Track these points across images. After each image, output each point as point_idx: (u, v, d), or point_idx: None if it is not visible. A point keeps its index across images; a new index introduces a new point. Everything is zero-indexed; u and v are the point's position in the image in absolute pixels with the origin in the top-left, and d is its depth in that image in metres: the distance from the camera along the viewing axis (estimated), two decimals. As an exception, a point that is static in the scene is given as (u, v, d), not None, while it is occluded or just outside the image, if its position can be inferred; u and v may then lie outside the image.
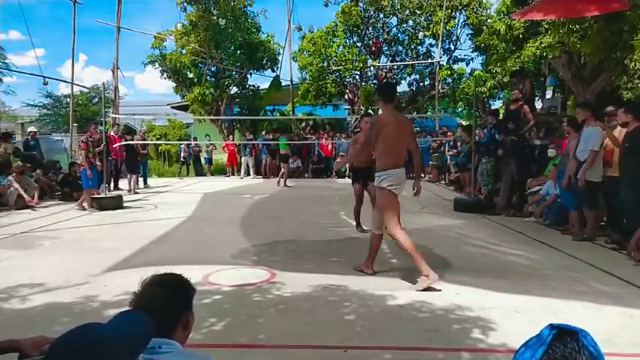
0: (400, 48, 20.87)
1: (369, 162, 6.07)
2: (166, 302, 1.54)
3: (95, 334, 1.10)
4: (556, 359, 0.89)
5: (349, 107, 21.95)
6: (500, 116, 9.75)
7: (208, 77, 19.74)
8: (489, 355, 3.00)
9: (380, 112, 5.02)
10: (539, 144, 9.15)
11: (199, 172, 18.17)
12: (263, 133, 18.95)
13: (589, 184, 6.09)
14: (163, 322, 1.51)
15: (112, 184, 12.25)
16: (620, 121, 5.86)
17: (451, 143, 13.37)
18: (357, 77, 20.95)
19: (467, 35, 19.54)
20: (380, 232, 4.76)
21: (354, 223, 7.03)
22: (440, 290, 4.20)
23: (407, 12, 19.89)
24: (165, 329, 1.52)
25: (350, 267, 5.04)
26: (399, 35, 20.81)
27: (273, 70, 21.04)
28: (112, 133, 12.56)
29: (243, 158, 17.02)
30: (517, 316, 3.60)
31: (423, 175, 15.88)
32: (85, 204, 9.11)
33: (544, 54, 11.60)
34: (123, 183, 13.37)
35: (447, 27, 19.03)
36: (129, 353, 1.16)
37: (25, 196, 9.27)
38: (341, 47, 19.97)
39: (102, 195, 9.68)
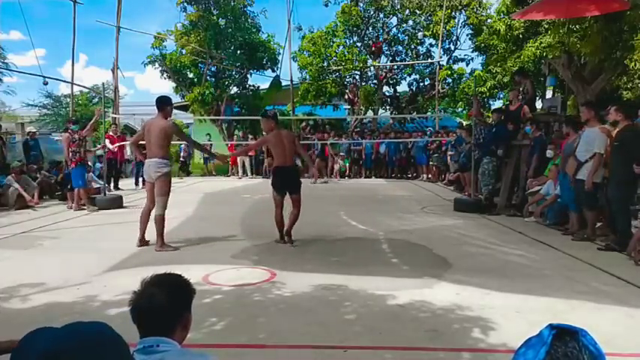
0: (400, 48, 20.89)
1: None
2: (167, 302, 1.55)
3: (97, 331, 1.09)
4: (558, 358, 0.89)
5: (349, 107, 21.95)
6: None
7: (208, 77, 19.73)
8: (489, 355, 3.00)
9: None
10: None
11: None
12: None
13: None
14: (163, 321, 1.52)
15: (112, 184, 12.24)
16: (611, 119, 5.95)
17: (452, 143, 13.37)
18: (357, 77, 20.96)
19: (467, 35, 19.60)
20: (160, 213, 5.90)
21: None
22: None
23: (407, 12, 19.91)
24: (165, 329, 1.52)
25: (350, 267, 5.04)
26: (399, 35, 20.83)
27: (273, 70, 21.05)
28: (110, 133, 12.56)
29: (239, 158, 16.99)
30: (517, 316, 3.60)
31: (422, 176, 15.86)
32: (81, 204, 9.08)
33: (544, 54, 11.62)
34: (122, 183, 13.39)
35: (447, 27, 19.04)
36: (126, 353, 1.15)
37: (25, 195, 9.27)
38: (341, 47, 19.98)
39: (102, 195, 9.68)
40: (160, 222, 5.85)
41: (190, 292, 1.65)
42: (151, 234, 5.97)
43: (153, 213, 5.92)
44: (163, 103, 6.05)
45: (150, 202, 6.02)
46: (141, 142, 6.52)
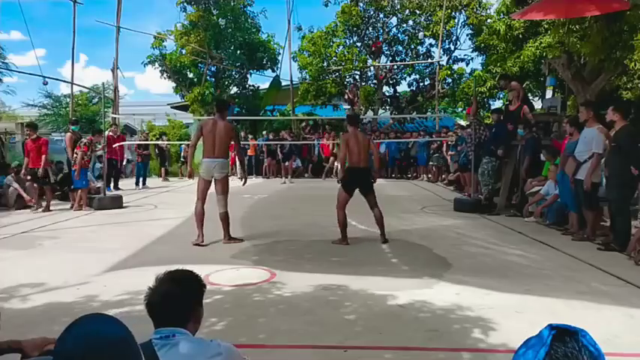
0: (400, 48, 20.89)
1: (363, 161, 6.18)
2: (181, 296, 1.65)
3: (109, 333, 1.09)
4: (558, 359, 0.89)
5: (349, 107, 21.93)
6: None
7: (208, 77, 19.73)
8: (489, 355, 3.00)
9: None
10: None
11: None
12: (264, 133, 18.91)
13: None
14: (177, 314, 1.62)
15: (112, 184, 12.24)
16: (608, 120, 5.96)
17: (452, 143, 13.36)
18: (357, 77, 20.95)
19: (467, 35, 19.62)
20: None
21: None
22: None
23: (407, 12, 19.91)
24: (179, 322, 1.61)
25: (350, 267, 5.04)
26: (399, 35, 20.82)
27: (273, 70, 21.06)
28: (110, 134, 12.55)
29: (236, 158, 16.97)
30: (517, 316, 3.60)
31: (422, 176, 15.85)
32: (81, 204, 9.12)
33: (544, 54, 11.62)
34: (122, 183, 13.38)
35: (447, 27, 19.04)
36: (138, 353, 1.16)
37: (24, 195, 9.27)
38: (341, 47, 19.97)
39: (102, 195, 9.68)
40: (226, 219, 6.12)
41: (202, 286, 1.76)
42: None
43: (218, 211, 6.10)
44: (224, 105, 6.46)
45: (202, 200, 6.10)
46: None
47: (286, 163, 15.77)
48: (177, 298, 1.63)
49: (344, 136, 6.36)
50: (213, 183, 6.09)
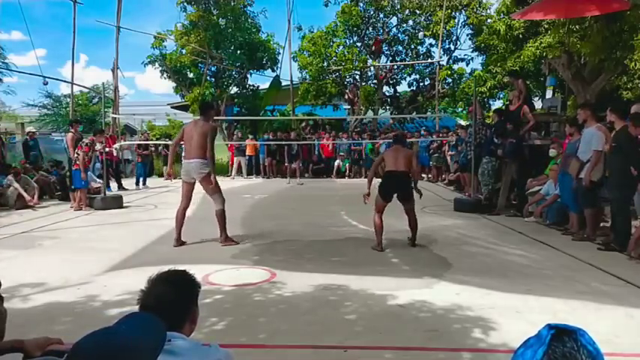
0: (400, 48, 20.88)
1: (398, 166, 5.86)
2: (175, 297, 1.60)
3: (121, 342, 1.09)
4: (556, 359, 0.90)
5: (349, 107, 21.95)
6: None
7: (208, 77, 19.71)
8: (489, 355, 3.00)
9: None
10: (540, 144, 9.13)
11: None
12: (270, 132, 18.85)
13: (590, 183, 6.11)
14: (172, 316, 1.56)
15: (113, 184, 12.24)
16: (607, 121, 5.98)
17: (453, 143, 13.37)
18: (357, 77, 20.94)
19: (467, 35, 19.61)
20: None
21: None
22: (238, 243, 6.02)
23: (407, 12, 19.90)
24: (175, 324, 1.56)
25: (350, 267, 5.04)
26: (399, 35, 20.82)
27: (273, 70, 21.02)
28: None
29: (235, 158, 16.97)
30: (517, 316, 3.60)
31: (423, 176, 15.84)
32: (81, 204, 9.14)
33: (544, 54, 11.61)
34: (122, 183, 13.38)
35: (447, 27, 19.03)
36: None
37: (25, 195, 9.28)
38: (341, 47, 19.96)
39: (102, 195, 9.68)
40: (222, 217, 6.02)
41: (196, 286, 1.71)
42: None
43: (213, 209, 6.07)
44: (207, 107, 6.37)
45: (185, 202, 6.08)
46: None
47: (293, 165, 15.82)
48: (172, 300, 1.59)
49: (383, 152, 6.21)
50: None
